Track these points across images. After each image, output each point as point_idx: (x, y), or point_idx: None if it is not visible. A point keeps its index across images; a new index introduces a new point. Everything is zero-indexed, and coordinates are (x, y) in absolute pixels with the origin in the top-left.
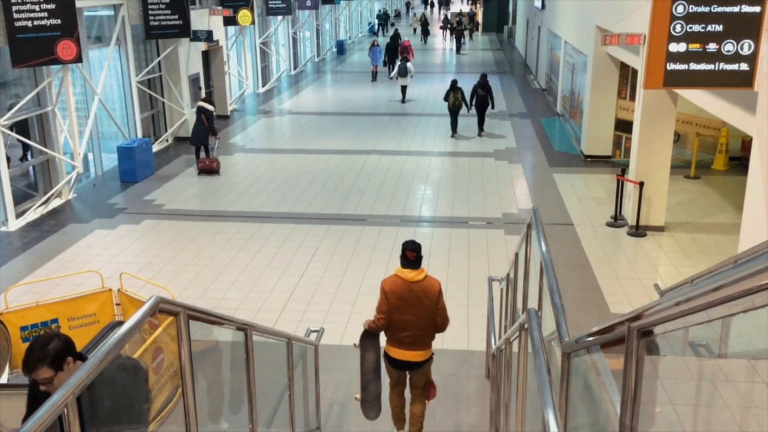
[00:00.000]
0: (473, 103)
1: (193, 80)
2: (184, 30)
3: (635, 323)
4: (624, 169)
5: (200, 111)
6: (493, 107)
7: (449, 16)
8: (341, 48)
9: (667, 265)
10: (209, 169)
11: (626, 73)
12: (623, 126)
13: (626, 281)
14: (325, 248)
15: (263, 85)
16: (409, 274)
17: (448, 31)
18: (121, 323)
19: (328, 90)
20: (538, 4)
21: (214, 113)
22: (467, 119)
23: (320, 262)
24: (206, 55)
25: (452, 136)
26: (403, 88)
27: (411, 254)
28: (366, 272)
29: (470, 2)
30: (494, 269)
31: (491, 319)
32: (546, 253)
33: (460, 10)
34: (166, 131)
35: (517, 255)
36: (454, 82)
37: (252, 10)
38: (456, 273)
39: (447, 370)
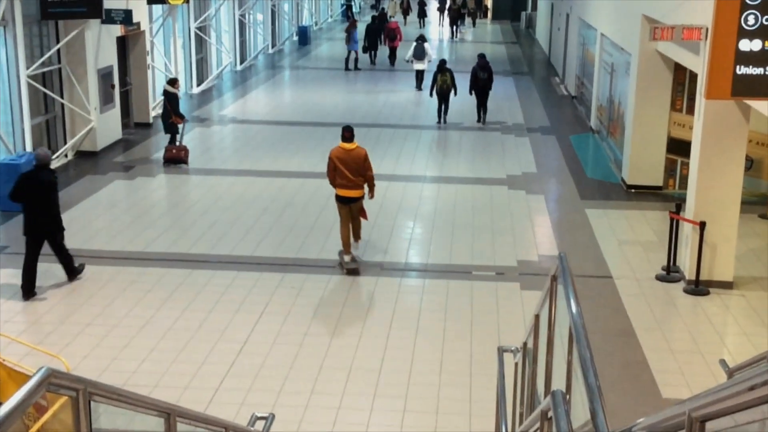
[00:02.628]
0: (473, 89)
1: (104, 75)
2: (93, 8)
3: (698, 412)
4: (679, 204)
5: (165, 94)
6: (491, 88)
7: None
8: (304, 36)
9: (737, 333)
10: (176, 159)
11: (682, 78)
12: (678, 147)
13: (682, 354)
14: (277, 305)
15: (198, 84)
16: (347, 146)
17: (445, 14)
18: None
19: (285, 91)
20: None
21: (179, 96)
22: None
23: (271, 324)
24: (123, 43)
25: (438, 123)
26: (419, 74)
27: (347, 134)
28: (333, 338)
29: None
30: (506, 336)
31: (501, 405)
32: (577, 316)
33: None
34: (65, 143)
35: (537, 317)
36: (442, 63)
37: None
38: (454, 340)
39: None
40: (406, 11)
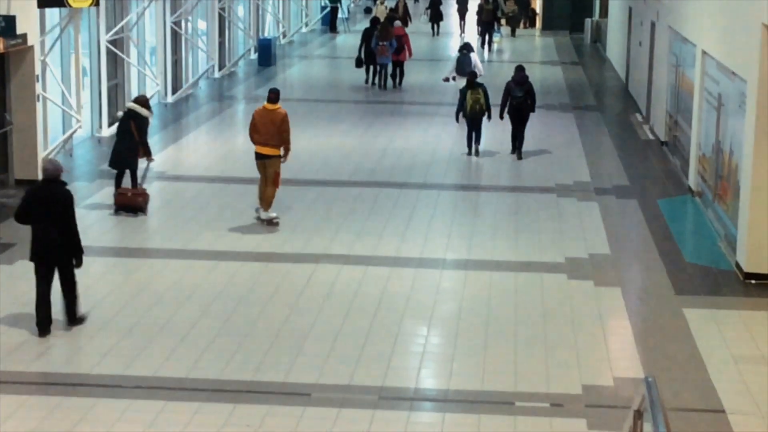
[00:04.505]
0: (505, 109)
1: None
2: None
3: None
4: None
5: (129, 116)
6: (533, 110)
7: None
8: (267, 54)
9: None
10: (132, 205)
11: None
12: None
13: None
14: None
15: (112, 123)
16: (269, 106)
17: (467, 19)
18: None
19: (238, 134)
20: None
21: (150, 120)
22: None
23: None
24: (0, 63)
25: (469, 154)
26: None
27: (272, 95)
28: None
29: None
30: None
31: None
32: None
33: None
34: None
35: None
36: (472, 76)
37: None
38: None
39: None
40: (403, 19)
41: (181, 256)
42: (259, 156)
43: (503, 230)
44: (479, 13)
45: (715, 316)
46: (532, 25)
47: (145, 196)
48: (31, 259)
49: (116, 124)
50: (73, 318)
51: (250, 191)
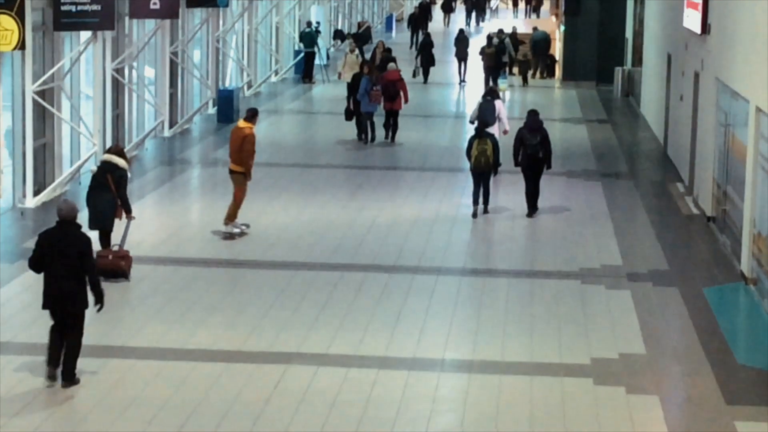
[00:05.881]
0: (518, 159)
1: None
2: None
3: None
4: None
5: (105, 169)
6: (549, 166)
7: (492, 38)
8: (228, 108)
9: None
10: (114, 269)
11: None
12: None
13: None
14: None
15: (37, 192)
16: (240, 123)
17: (465, 64)
18: None
19: (193, 206)
20: (691, 22)
21: (128, 174)
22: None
23: None
24: None
25: (474, 216)
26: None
27: (247, 113)
28: None
29: (531, 10)
30: None
31: None
32: None
33: (513, 28)
34: None
35: None
36: (482, 125)
37: (21, 20)
38: None
39: None
40: (426, 54)
41: (120, 355)
42: (230, 171)
43: (515, 324)
44: (483, 54)
45: None
46: (551, 74)
47: (128, 260)
48: (44, 308)
49: (90, 180)
50: (71, 375)
51: (205, 275)
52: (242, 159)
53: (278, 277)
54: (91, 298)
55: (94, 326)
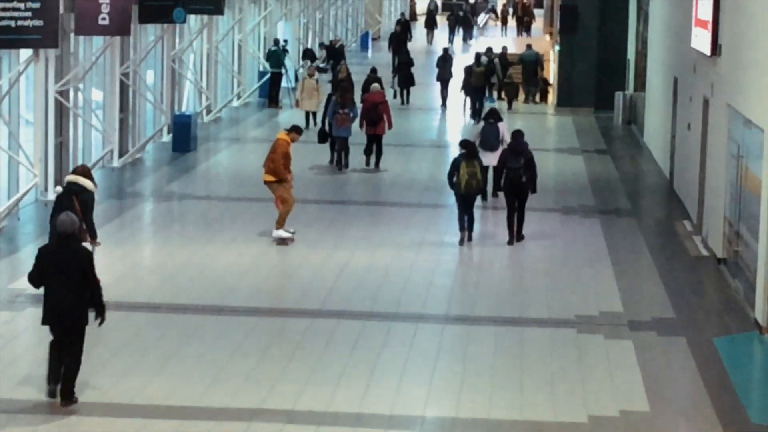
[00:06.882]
0: (499, 184)
1: None
2: None
3: None
4: None
5: (71, 191)
6: (534, 191)
7: (481, 57)
8: (184, 135)
9: None
10: None
11: None
12: None
13: None
14: None
15: None
16: (279, 134)
17: (449, 87)
18: None
19: (143, 245)
20: (700, 42)
21: (95, 196)
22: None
23: None
24: None
25: (461, 243)
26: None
27: (291, 126)
28: None
29: (522, 29)
30: None
31: None
32: None
33: (503, 48)
34: None
35: None
36: (469, 146)
37: None
38: None
39: None
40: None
41: (62, 412)
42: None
43: (504, 378)
44: (467, 74)
45: None
46: (544, 98)
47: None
48: (43, 323)
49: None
50: (70, 394)
51: (158, 322)
52: (272, 167)
53: (240, 324)
54: (91, 313)
55: (34, 381)
